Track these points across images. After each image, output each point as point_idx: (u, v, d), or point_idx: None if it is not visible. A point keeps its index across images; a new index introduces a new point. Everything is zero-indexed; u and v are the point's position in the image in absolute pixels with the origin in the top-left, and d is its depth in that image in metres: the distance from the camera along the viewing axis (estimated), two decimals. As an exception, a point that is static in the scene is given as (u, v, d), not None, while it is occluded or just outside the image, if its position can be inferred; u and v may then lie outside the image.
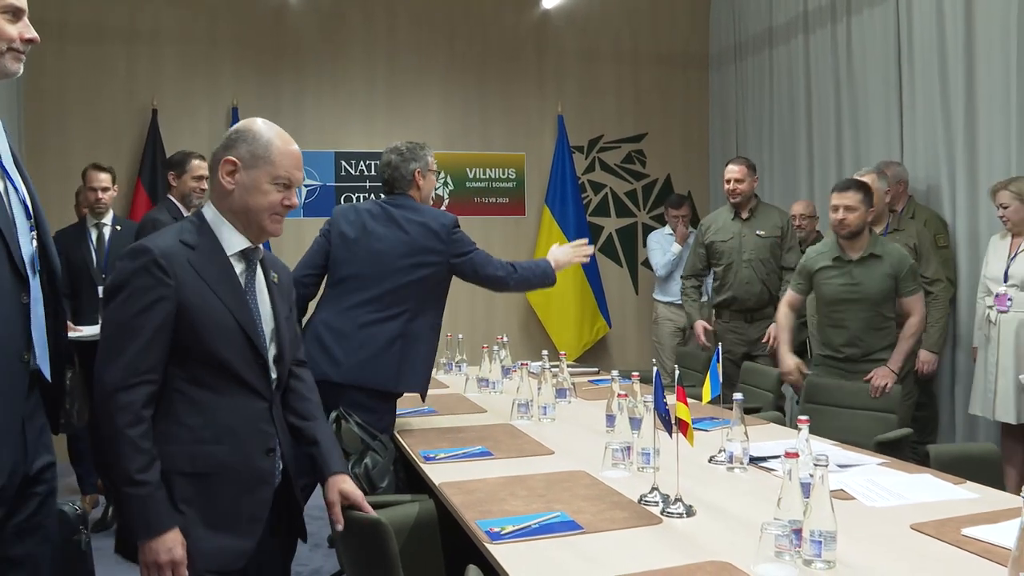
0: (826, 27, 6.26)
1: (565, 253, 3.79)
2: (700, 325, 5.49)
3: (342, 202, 7.02)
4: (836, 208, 4.24)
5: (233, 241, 2.18)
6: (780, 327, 4.63)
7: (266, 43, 6.88)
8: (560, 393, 4.04)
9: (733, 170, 5.36)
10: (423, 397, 3.60)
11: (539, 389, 3.75)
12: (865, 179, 4.53)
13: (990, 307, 4.44)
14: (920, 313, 4.28)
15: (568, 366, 4.42)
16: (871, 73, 5.81)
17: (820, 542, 1.92)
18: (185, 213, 4.45)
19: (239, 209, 2.16)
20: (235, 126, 2.24)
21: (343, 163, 7.10)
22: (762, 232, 5.33)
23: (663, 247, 6.85)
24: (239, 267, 2.18)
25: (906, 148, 5.50)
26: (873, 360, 4.27)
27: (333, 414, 3.05)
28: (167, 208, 4.56)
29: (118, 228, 5.16)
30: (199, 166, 4.59)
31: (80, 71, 6.50)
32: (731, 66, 7.54)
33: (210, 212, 2.19)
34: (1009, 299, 4.35)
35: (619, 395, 2.92)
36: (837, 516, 1.94)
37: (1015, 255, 4.36)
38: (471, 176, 7.36)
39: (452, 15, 7.31)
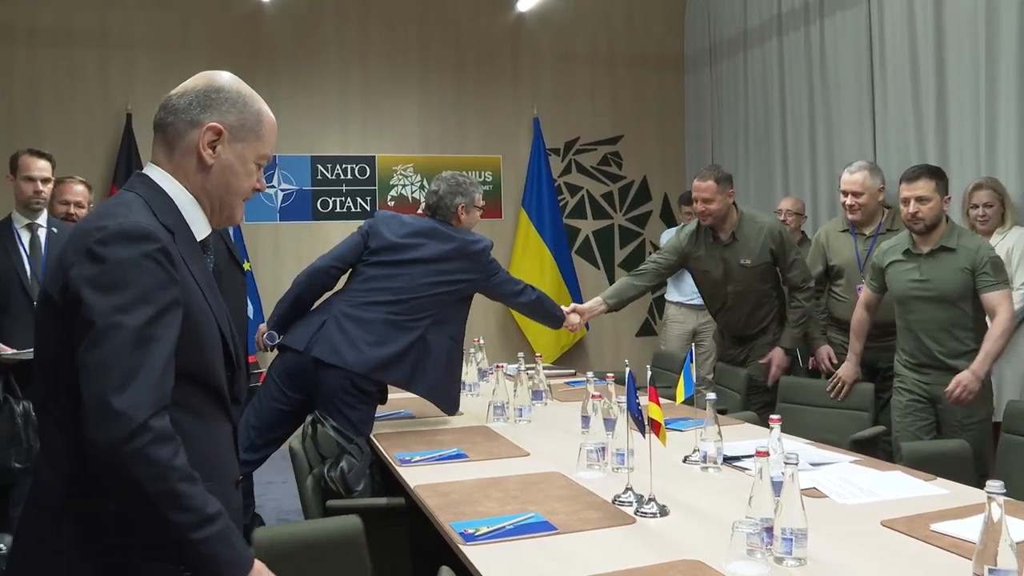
0: (799, 29, 6.30)
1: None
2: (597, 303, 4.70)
3: (319, 207, 7.01)
4: (907, 200, 3.77)
5: (199, 226, 1.74)
6: (853, 332, 4.19)
7: (240, 47, 6.85)
8: (536, 395, 4.06)
9: (700, 187, 4.48)
10: (445, 409, 3.71)
11: (515, 391, 3.75)
12: (856, 175, 4.37)
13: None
14: (1008, 311, 3.64)
15: (544, 368, 4.43)
16: (844, 75, 5.86)
17: (791, 539, 1.93)
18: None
19: (215, 189, 1.74)
20: (208, 80, 1.78)
21: (319, 167, 7.08)
22: (747, 262, 4.53)
23: None
24: None
25: (878, 148, 5.54)
26: (951, 369, 3.73)
27: (309, 417, 3.08)
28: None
29: (54, 231, 4.15)
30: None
31: (51, 76, 6.46)
32: (706, 68, 7.58)
33: (172, 186, 1.70)
34: None
35: (593, 396, 2.94)
36: (809, 513, 1.95)
37: None
38: (448, 179, 7.35)
39: (427, 18, 7.31)
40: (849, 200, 4.41)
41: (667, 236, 6.81)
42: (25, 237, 4.10)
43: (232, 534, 1.52)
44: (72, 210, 4.46)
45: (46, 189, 4.15)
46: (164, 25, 6.72)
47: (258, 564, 1.57)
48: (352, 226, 7.01)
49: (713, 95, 7.49)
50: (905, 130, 5.31)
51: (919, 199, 3.72)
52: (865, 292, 4.14)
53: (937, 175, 3.78)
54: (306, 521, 2.79)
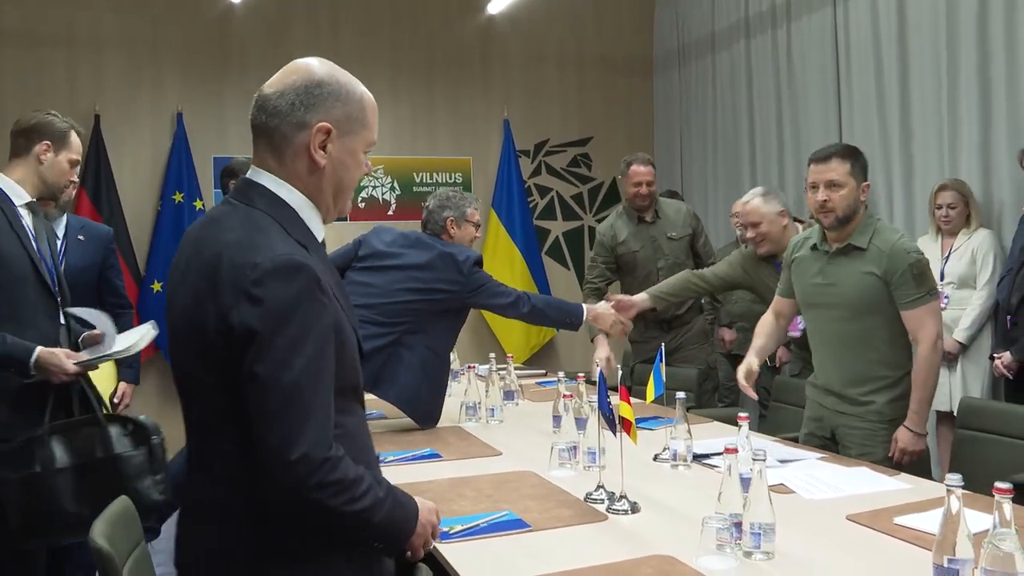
0: (767, 32, 6.38)
1: (607, 318, 3.96)
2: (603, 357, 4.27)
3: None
4: (815, 186, 3.08)
5: (317, 228, 1.74)
6: (755, 333, 3.57)
7: (210, 49, 6.82)
8: (508, 395, 4.08)
9: (643, 172, 4.86)
10: (417, 421, 3.60)
11: (487, 391, 3.78)
12: (751, 203, 3.96)
13: (927, 305, 4.55)
14: (930, 336, 2.96)
15: (515, 368, 4.47)
16: (810, 78, 5.94)
17: (759, 534, 1.98)
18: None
19: (329, 188, 1.72)
20: (304, 74, 1.71)
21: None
22: (674, 234, 4.92)
23: None
24: None
25: (844, 151, 5.64)
26: (851, 401, 3.14)
27: None
28: None
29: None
30: None
31: (18, 76, 6.38)
32: (675, 70, 7.65)
33: (288, 193, 1.69)
34: (946, 297, 4.49)
35: (564, 396, 2.97)
36: (777, 509, 2.00)
37: (948, 255, 4.50)
38: (418, 180, 7.37)
39: (398, 20, 7.32)
40: (750, 233, 4.02)
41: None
42: (26, 217, 3.09)
43: (397, 496, 1.67)
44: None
45: None
46: (133, 27, 6.67)
47: (418, 501, 1.74)
48: (325, 228, 7.07)
49: (682, 97, 7.56)
50: (870, 133, 5.40)
51: (830, 184, 3.05)
52: (776, 299, 3.56)
53: (853, 155, 3.10)
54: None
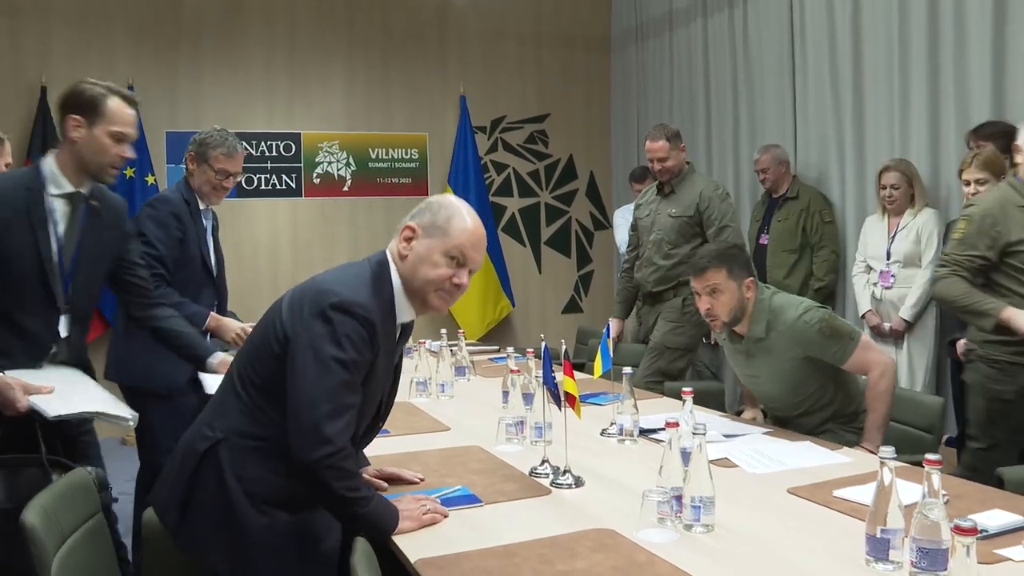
0: (724, 11, 6.39)
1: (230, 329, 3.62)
2: (615, 323, 4.95)
3: (243, 184, 6.81)
4: (698, 294, 3.09)
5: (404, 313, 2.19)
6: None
7: (164, 23, 6.68)
8: (459, 371, 4.08)
9: (654, 148, 4.65)
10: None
11: (437, 367, 3.78)
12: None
13: (875, 284, 4.63)
14: (876, 369, 2.93)
15: (469, 345, 4.46)
16: (766, 57, 5.98)
17: (699, 507, 1.99)
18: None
19: (409, 278, 2.14)
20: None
21: (244, 144, 6.94)
22: (674, 211, 4.67)
23: (628, 222, 6.54)
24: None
25: (799, 129, 5.69)
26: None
27: None
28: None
29: (94, 203, 2.88)
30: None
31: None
32: (632, 48, 7.65)
33: (397, 280, 2.15)
34: (892, 276, 4.55)
35: (512, 371, 2.98)
36: (719, 482, 2.03)
37: (895, 234, 4.55)
38: (373, 156, 7.31)
39: (353, -7, 7.25)
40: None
41: (620, 214, 6.85)
42: (61, 212, 2.65)
43: (381, 499, 2.06)
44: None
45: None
46: (81, -4, 6.53)
47: (401, 500, 2.13)
48: (279, 203, 7.04)
49: (639, 74, 7.57)
50: (824, 113, 5.47)
51: (711, 291, 3.02)
52: None
53: (728, 259, 3.04)
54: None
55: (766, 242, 5.36)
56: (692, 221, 4.61)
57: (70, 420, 2.51)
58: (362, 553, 1.71)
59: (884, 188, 4.57)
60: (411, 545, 1.96)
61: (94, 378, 2.80)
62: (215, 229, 3.71)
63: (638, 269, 4.86)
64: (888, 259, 4.55)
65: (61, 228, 2.65)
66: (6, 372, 2.49)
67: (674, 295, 4.69)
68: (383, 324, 2.06)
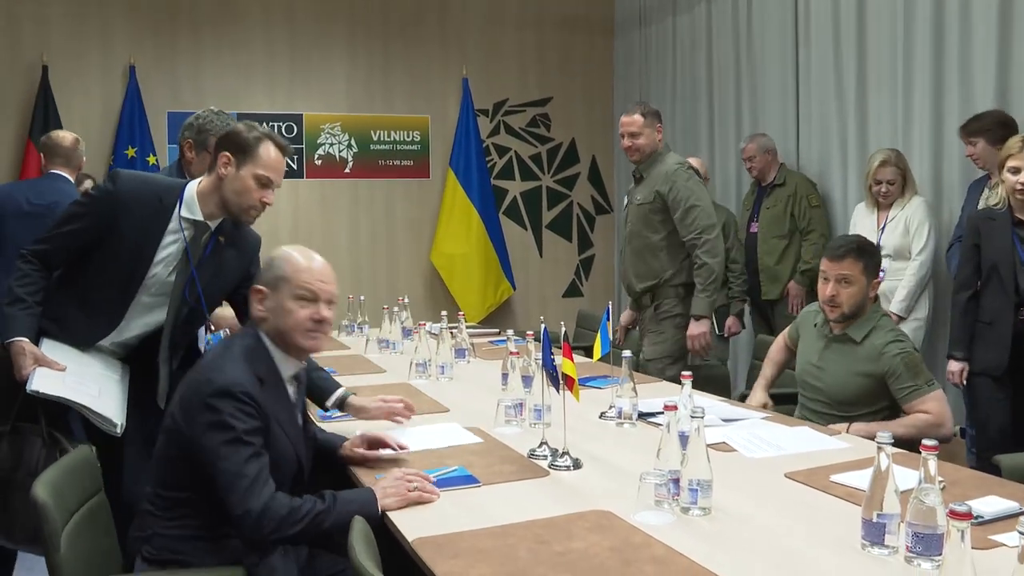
0: (727, -4, 6.37)
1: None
2: (627, 314, 4.69)
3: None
4: (826, 278, 3.07)
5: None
6: (766, 359, 3.56)
7: (163, 1, 6.69)
8: (459, 353, 4.09)
9: (626, 122, 4.25)
10: None
11: (437, 349, 3.78)
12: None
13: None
14: (935, 412, 2.88)
15: (469, 327, 4.46)
16: (769, 42, 5.94)
17: (696, 490, 2.00)
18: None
19: (275, 334, 2.26)
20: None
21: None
22: (639, 198, 4.27)
23: None
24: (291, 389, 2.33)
25: (801, 117, 5.67)
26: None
27: None
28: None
29: (221, 238, 2.91)
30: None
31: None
32: (635, 32, 7.62)
33: (267, 340, 2.27)
34: (882, 269, 4.50)
35: (512, 354, 2.98)
36: (717, 466, 2.03)
37: (884, 226, 4.52)
38: (375, 139, 7.30)
39: (356, -25, 7.22)
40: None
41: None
42: (185, 233, 2.76)
43: (341, 498, 2.08)
44: None
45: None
46: (81, -26, 6.51)
47: (382, 478, 2.18)
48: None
49: (641, 59, 7.54)
50: (827, 100, 5.44)
51: (841, 279, 3.03)
52: (788, 335, 3.51)
53: (868, 254, 3.08)
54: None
55: (756, 230, 5.37)
56: (655, 207, 4.17)
57: (47, 399, 2.55)
58: (359, 532, 1.72)
59: (879, 183, 4.52)
60: (408, 524, 1.97)
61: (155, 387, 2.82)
62: None
63: (623, 264, 4.55)
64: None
65: (175, 248, 2.74)
66: (47, 340, 2.65)
67: (651, 300, 4.30)
68: (265, 389, 2.16)
